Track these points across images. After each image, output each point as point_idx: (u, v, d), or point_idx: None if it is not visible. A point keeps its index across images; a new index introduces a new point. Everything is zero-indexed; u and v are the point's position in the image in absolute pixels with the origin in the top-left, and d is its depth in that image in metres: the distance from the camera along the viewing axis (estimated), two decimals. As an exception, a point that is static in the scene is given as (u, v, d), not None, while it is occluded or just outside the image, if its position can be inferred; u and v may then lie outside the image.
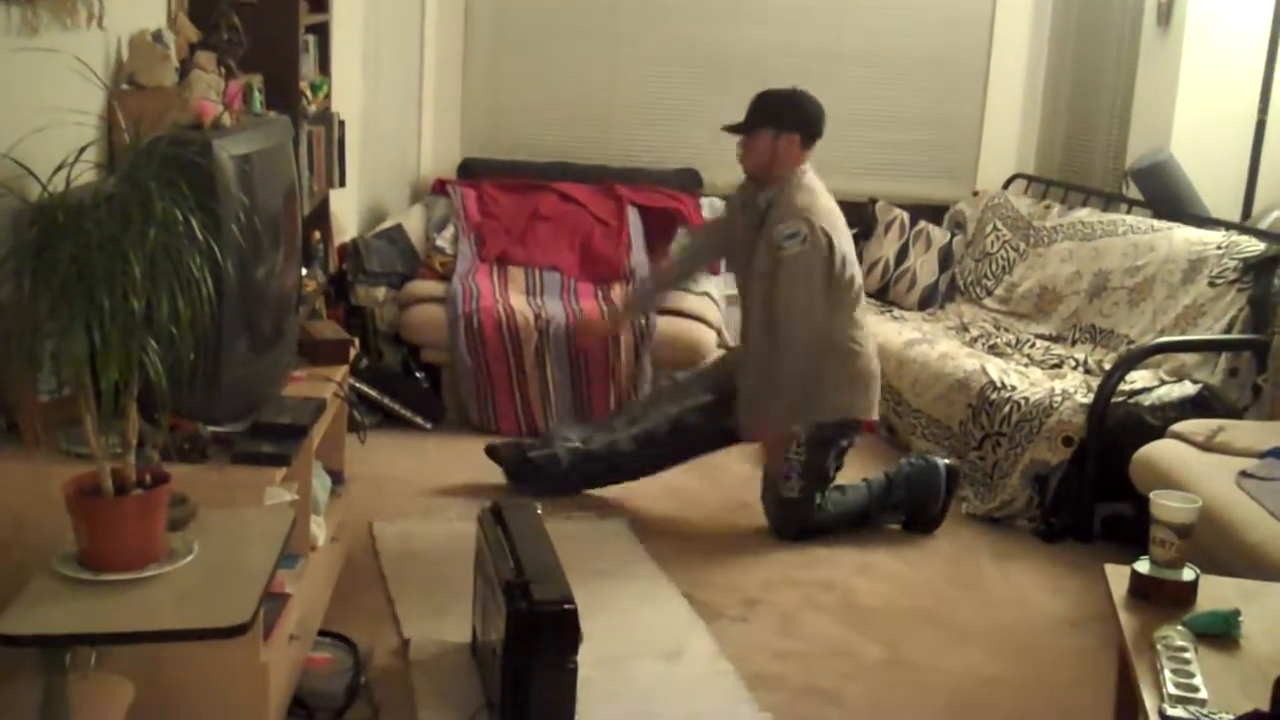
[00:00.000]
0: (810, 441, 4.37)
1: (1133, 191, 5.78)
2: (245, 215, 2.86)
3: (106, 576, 2.22)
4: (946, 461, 4.55)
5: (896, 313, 5.95)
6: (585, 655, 2.98)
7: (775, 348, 4.28)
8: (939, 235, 6.25)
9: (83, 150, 2.37)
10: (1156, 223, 5.42)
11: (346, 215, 5.56)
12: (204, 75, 3.58)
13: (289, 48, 4.35)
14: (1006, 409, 4.66)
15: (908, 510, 4.52)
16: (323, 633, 3.42)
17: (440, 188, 6.25)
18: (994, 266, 6.03)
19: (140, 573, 2.24)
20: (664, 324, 5.38)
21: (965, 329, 5.61)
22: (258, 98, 3.99)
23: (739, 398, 4.44)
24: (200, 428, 2.87)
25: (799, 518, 4.40)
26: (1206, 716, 2.32)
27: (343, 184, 5.13)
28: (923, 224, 6.27)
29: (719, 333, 5.57)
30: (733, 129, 4.45)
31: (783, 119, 4.37)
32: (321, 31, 4.80)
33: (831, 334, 4.34)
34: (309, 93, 4.57)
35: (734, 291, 5.57)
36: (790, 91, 4.46)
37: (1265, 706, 2.28)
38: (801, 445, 4.36)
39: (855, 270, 4.39)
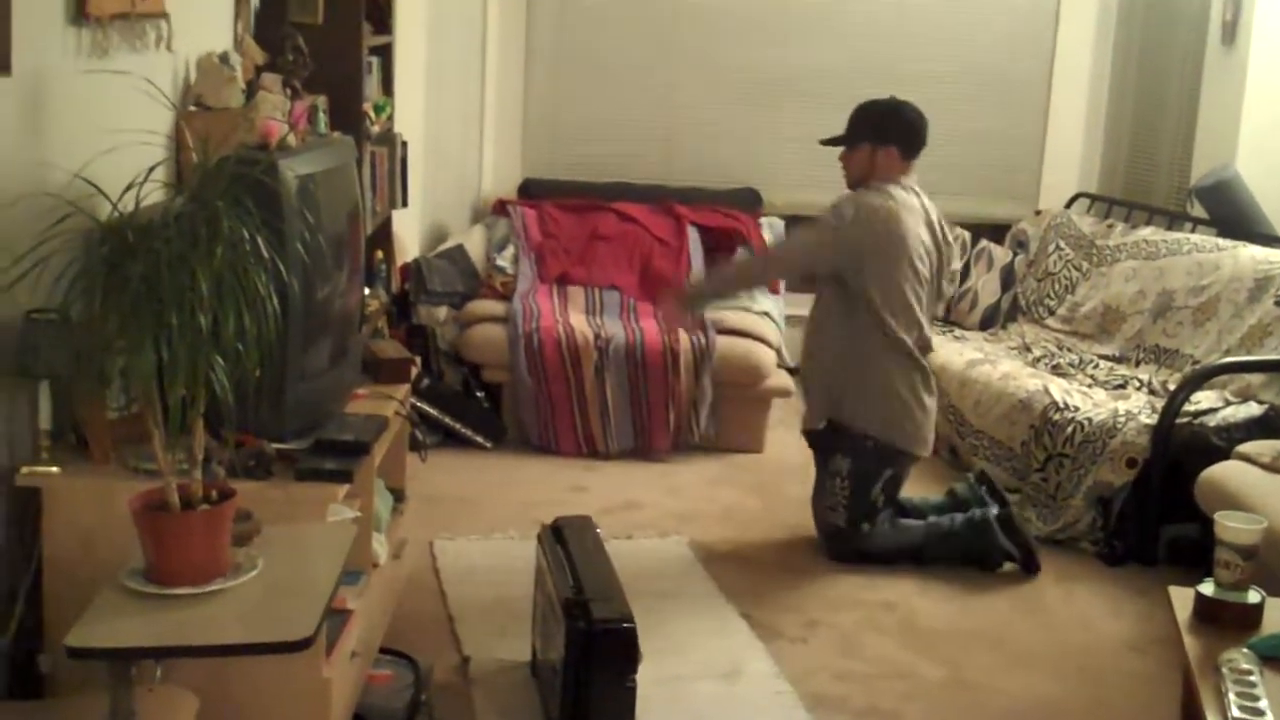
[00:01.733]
0: (854, 473, 4.34)
1: (1197, 210, 5.72)
2: (309, 234, 2.89)
3: (172, 591, 2.25)
4: (995, 511, 4.40)
5: (958, 333, 5.92)
6: (644, 674, 2.99)
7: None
8: (1001, 255, 6.21)
9: (151, 170, 2.41)
10: (1222, 241, 5.36)
11: (409, 235, 5.62)
12: (269, 96, 3.63)
13: (353, 69, 4.41)
14: (1069, 430, 4.63)
15: (963, 557, 4.40)
16: (384, 650, 3.44)
17: (501, 208, 6.29)
18: (1056, 286, 5.99)
19: (205, 587, 2.27)
20: (724, 344, 5.39)
21: (1028, 349, 5.56)
22: (322, 119, 4.04)
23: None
24: (265, 444, 2.90)
25: (848, 546, 4.38)
26: (1273, 740, 2.29)
27: (405, 204, 5.18)
28: (984, 243, 6.24)
29: (779, 353, 5.56)
30: (832, 142, 4.44)
31: (882, 131, 4.36)
32: (385, 53, 4.86)
33: (853, 338, 4.31)
34: (372, 114, 4.62)
35: (794, 312, 5.60)
36: (890, 101, 4.45)
37: (1332, 731, 2.26)
38: (845, 478, 4.34)
39: (900, 299, 4.30)
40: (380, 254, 4.92)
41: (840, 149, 4.44)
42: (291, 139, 3.27)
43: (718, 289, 5.00)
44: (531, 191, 6.49)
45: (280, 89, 3.76)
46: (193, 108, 3.50)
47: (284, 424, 2.98)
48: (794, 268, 4.80)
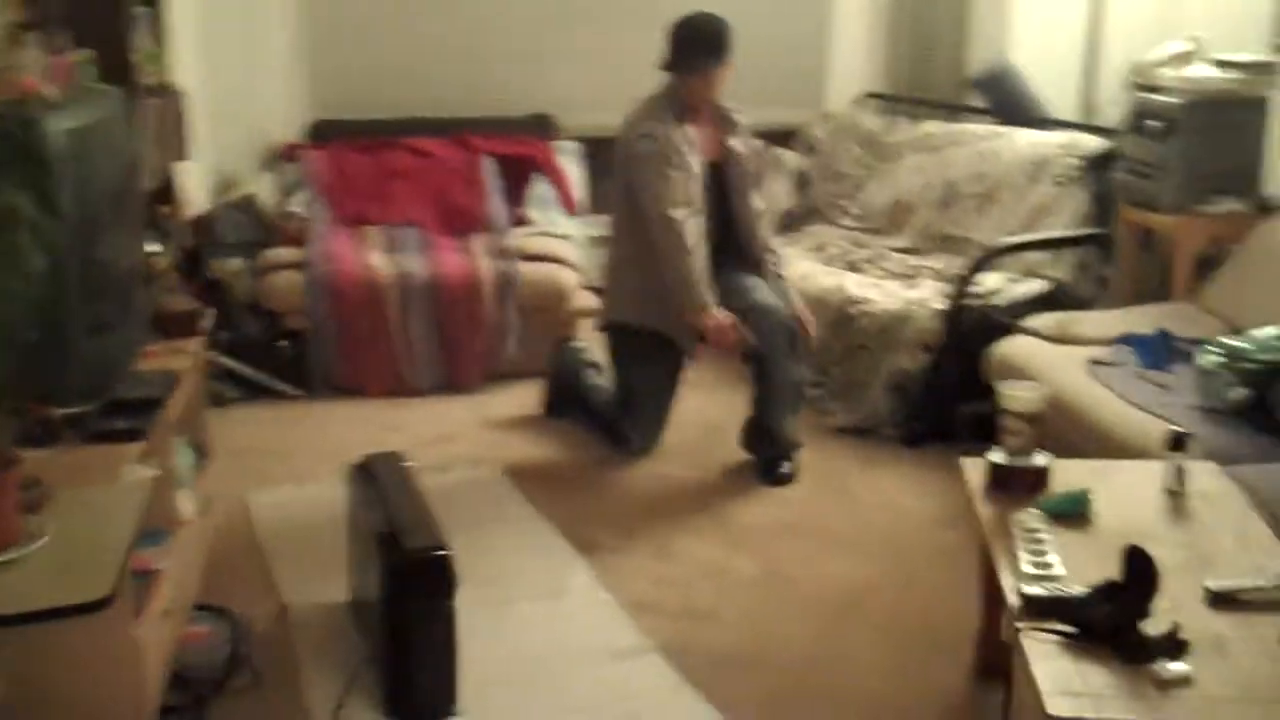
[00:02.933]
0: None
1: (977, 102, 5.89)
2: (79, 190, 2.81)
3: (-42, 564, 2.20)
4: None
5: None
6: (466, 601, 3.00)
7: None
8: (792, 159, 6.31)
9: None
10: (1000, 129, 5.53)
11: (196, 187, 5.47)
12: (27, 52, 3.50)
13: (118, 20, 4.27)
14: (865, 322, 4.75)
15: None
16: (200, 607, 3.40)
17: (290, 152, 6.17)
18: (847, 185, 6.11)
19: (-6, 558, 2.23)
20: (526, 270, 5.39)
21: (823, 248, 5.68)
22: (89, 72, 3.90)
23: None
24: (50, 410, 2.83)
25: None
26: (1062, 590, 2.41)
27: (189, 156, 5.04)
28: (775, 149, 6.32)
29: (582, 275, 5.57)
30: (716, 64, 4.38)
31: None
32: (153, 3, 4.70)
33: None
34: (145, 65, 4.49)
35: (597, 233, 5.61)
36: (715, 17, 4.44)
37: (1117, 576, 2.38)
38: None
39: None
40: (166, 208, 4.79)
41: (719, 69, 4.40)
42: (54, 94, 3.16)
43: None
44: (322, 133, 6.37)
45: (40, 45, 3.63)
46: (-58, 70, 3.37)
47: (70, 387, 2.90)
48: None
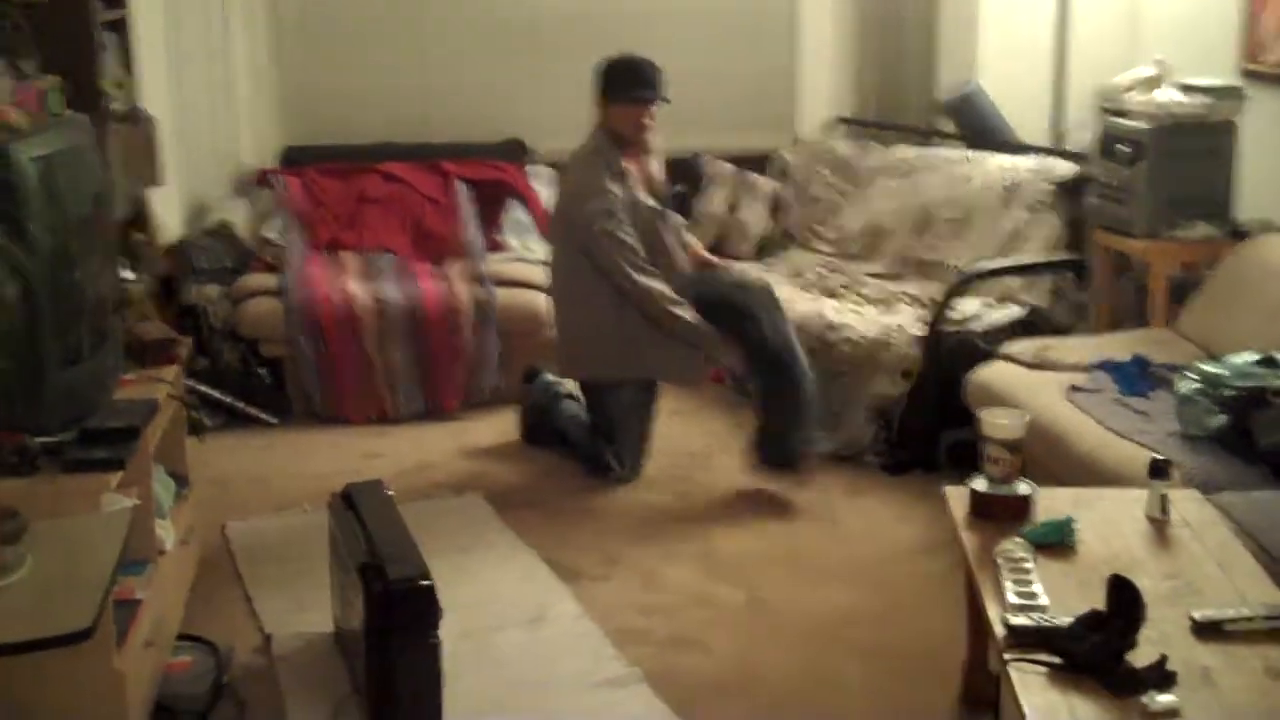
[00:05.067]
0: None
1: (947, 126, 5.89)
2: (49, 218, 2.76)
3: (-65, 600, 2.15)
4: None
5: (734, 266, 5.99)
6: (449, 630, 2.96)
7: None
8: (765, 185, 6.30)
9: None
10: (971, 154, 5.54)
11: (170, 214, 5.42)
12: (-4, 80, 3.46)
13: (86, 46, 4.22)
14: (844, 348, 4.73)
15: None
16: (182, 636, 3.35)
17: (264, 178, 6.12)
18: (821, 210, 6.10)
19: (-30, 592, 2.17)
20: (503, 295, 5.36)
21: (800, 274, 5.66)
22: (57, 99, 3.84)
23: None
24: (27, 439, 2.78)
25: None
26: (1047, 621, 2.38)
27: (160, 182, 4.99)
28: (748, 174, 6.31)
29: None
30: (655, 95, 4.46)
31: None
32: (121, 28, 4.66)
33: None
34: (113, 91, 4.44)
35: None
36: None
37: (1101, 606, 2.36)
38: None
39: None
40: (139, 235, 4.73)
41: (656, 107, 4.49)
42: (20, 121, 3.11)
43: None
44: (294, 159, 6.33)
45: (6, 72, 3.58)
46: (-91, 99, 3.31)
47: (46, 417, 2.86)
48: None
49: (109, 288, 3.36)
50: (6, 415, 2.63)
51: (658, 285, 4.35)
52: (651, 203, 4.49)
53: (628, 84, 4.42)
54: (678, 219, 4.75)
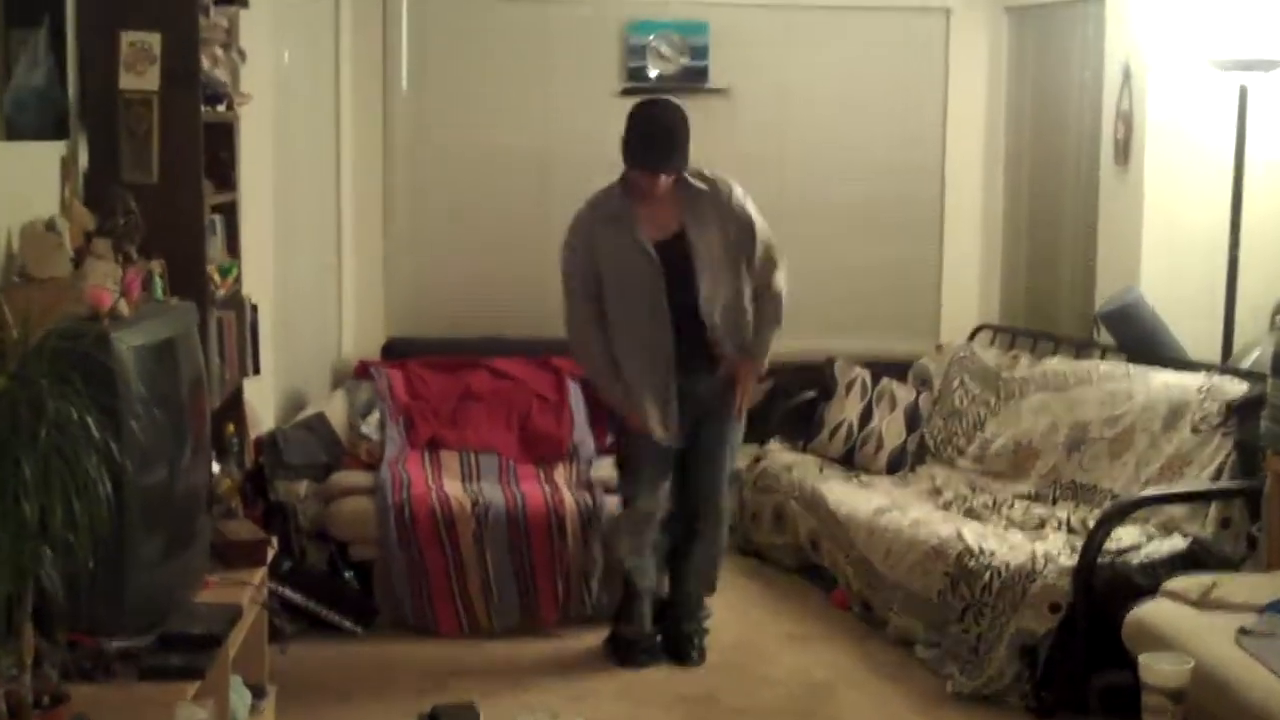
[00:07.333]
0: None
1: (1104, 337, 5.89)
2: (146, 410, 2.89)
3: (0, 812, 2.20)
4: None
5: (864, 478, 6.00)
6: None
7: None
8: (904, 393, 6.33)
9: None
10: (1132, 368, 5.51)
11: (263, 405, 5.58)
12: (99, 264, 3.63)
13: (193, 230, 4.39)
14: (987, 576, 4.69)
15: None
16: None
17: (364, 370, 6.29)
18: (965, 423, 6.09)
19: (37, 805, 2.23)
20: (612, 505, 5.39)
21: (939, 492, 5.65)
22: (160, 284, 4.03)
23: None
24: (103, 642, 2.86)
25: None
26: None
27: (256, 371, 5.16)
28: (886, 382, 6.35)
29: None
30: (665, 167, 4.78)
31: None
32: (229, 211, 4.87)
33: None
34: (217, 276, 4.63)
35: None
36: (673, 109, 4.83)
37: None
38: None
39: None
40: (231, 427, 4.88)
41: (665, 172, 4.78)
42: (124, 307, 3.27)
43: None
44: (397, 351, 6.50)
45: (111, 255, 3.77)
46: (16, 279, 3.49)
47: (124, 619, 2.95)
48: None
49: (200, 483, 3.48)
50: (83, 616, 2.71)
51: (581, 316, 4.90)
52: (649, 249, 4.78)
53: (640, 155, 4.76)
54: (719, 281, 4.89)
